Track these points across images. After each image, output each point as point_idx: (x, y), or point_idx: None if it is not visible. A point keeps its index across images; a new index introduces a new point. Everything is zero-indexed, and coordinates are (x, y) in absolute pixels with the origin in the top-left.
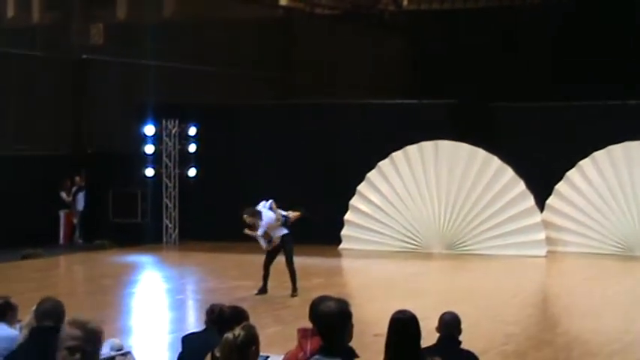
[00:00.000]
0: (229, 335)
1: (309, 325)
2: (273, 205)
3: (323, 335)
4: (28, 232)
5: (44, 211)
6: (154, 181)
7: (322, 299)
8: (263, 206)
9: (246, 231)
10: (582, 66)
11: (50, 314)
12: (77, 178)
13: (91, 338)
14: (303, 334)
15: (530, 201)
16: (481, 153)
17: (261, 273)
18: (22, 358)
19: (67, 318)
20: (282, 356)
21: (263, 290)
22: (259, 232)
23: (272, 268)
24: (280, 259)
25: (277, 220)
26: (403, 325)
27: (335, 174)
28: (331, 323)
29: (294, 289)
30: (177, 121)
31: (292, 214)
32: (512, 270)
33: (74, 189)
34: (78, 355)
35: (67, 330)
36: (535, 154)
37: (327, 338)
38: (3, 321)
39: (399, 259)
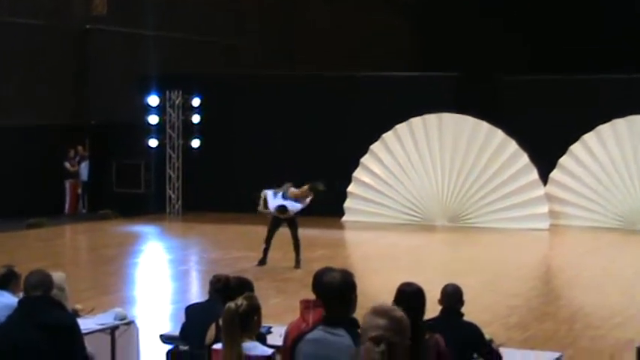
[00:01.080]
0: (231, 305)
1: (312, 296)
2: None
3: (327, 306)
4: (32, 201)
5: (48, 180)
6: (157, 151)
7: (326, 270)
8: (274, 197)
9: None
10: (586, 39)
11: (38, 285)
12: (80, 148)
13: (398, 327)
14: (305, 305)
15: (534, 174)
16: (485, 126)
17: (263, 246)
18: (14, 326)
19: (374, 305)
20: (285, 327)
21: (262, 262)
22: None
23: (275, 240)
24: (283, 231)
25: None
26: (408, 298)
27: (338, 146)
28: (335, 294)
29: (298, 262)
30: (180, 92)
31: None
32: (515, 243)
33: (77, 159)
34: (383, 346)
35: (370, 318)
36: (539, 127)
37: (330, 309)
38: (6, 289)
39: (402, 232)
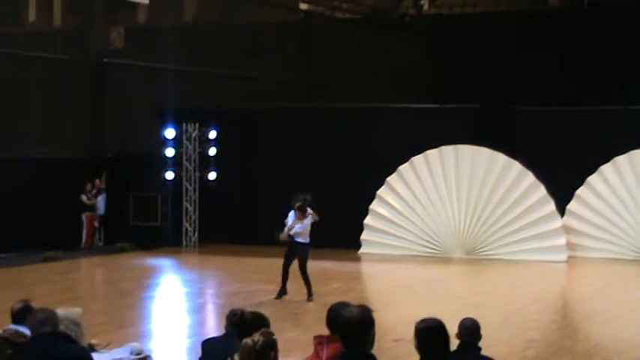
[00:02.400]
0: (248, 341)
1: (327, 330)
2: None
3: (345, 342)
4: (49, 234)
5: (65, 213)
6: (174, 184)
7: (341, 305)
8: (292, 217)
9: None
10: (605, 70)
11: (46, 322)
12: (97, 181)
13: None
14: (319, 340)
15: (551, 206)
16: (501, 157)
17: (281, 276)
18: None
19: None
20: None
21: (282, 292)
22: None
23: (291, 273)
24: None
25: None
26: (428, 334)
27: (355, 178)
28: (353, 329)
29: (310, 294)
30: (197, 125)
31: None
32: (533, 275)
33: (94, 192)
34: None
35: None
36: (556, 159)
37: (348, 345)
38: (23, 324)
39: (418, 264)
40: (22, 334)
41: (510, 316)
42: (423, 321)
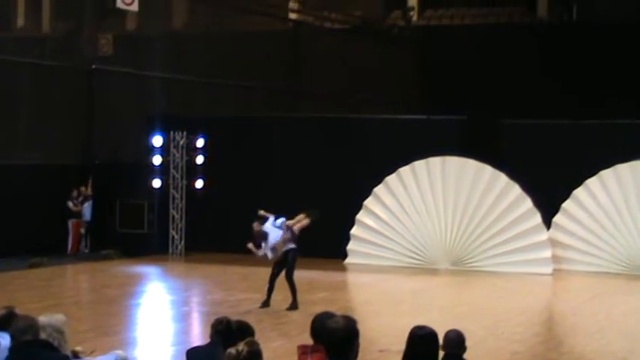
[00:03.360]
0: (232, 350)
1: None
2: (286, 224)
3: (330, 353)
4: (35, 241)
5: (52, 220)
6: (161, 192)
7: (326, 315)
8: (272, 224)
9: (249, 245)
10: (592, 84)
11: (27, 330)
12: (82, 188)
13: None
14: (303, 350)
15: (537, 218)
16: (488, 169)
17: (266, 286)
18: None
19: None
20: None
21: (266, 304)
22: (260, 252)
23: (277, 283)
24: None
25: (283, 241)
26: (421, 341)
27: (342, 188)
28: (338, 340)
29: (294, 302)
30: (185, 133)
31: (298, 225)
32: (518, 287)
33: (80, 198)
34: None
35: None
36: (542, 172)
37: (332, 355)
38: (6, 331)
39: (404, 275)
40: None
41: (495, 328)
42: (420, 328)
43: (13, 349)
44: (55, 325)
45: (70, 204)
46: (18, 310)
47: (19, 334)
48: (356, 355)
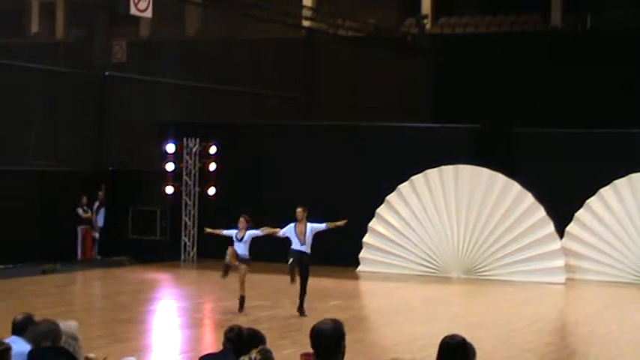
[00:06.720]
0: (245, 359)
1: None
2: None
3: (317, 354)
4: (47, 247)
5: (64, 226)
6: (173, 198)
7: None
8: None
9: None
10: (607, 93)
11: (47, 335)
12: (100, 194)
13: None
14: (306, 358)
15: (550, 227)
16: (501, 178)
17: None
18: None
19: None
20: None
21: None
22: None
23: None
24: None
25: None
26: (453, 351)
27: (354, 196)
28: (326, 341)
29: (301, 307)
30: (198, 140)
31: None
32: (531, 297)
33: (96, 205)
34: None
35: None
36: (555, 181)
37: (320, 357)
38: (22, 336)
39: (417, 283)
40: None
41: (507, 337)
42: (451, 337)
43: (31, 354)
44: (69, 332)
45: (80, 210)
46: (35, 317)
47: (40, 338)
48: (342, 356)
